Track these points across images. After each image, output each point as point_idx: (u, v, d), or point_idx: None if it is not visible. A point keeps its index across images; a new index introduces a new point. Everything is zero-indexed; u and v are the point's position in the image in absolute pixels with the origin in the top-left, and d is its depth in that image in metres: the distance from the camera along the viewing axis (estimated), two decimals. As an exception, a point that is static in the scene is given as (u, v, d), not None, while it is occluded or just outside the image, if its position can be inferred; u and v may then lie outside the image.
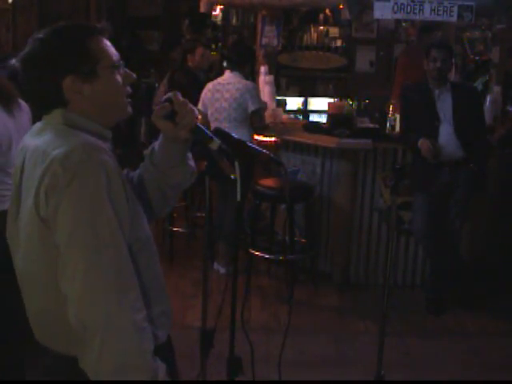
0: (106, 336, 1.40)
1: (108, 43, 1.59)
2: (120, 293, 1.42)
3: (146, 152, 1.75)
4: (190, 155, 1.78)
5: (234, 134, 1.84)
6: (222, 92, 4.86)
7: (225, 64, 5.20)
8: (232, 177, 1.79)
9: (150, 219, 1.77)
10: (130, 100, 1.63)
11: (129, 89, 1.63)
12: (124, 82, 1.61)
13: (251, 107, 4.84)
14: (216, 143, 1.66)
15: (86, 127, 1.55)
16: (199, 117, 1.68)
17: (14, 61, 3.69)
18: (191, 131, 1.65)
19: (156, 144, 1.73)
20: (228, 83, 4.88)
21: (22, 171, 1.54)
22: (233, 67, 4.94)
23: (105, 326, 1.40)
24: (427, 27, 5.83)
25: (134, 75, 1.63)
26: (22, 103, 3.10)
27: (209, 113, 4.92)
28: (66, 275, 1.43)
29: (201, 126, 1.67)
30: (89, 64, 1.53)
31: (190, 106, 1.65)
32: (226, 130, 5.52)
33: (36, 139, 1.54)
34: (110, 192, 1.44)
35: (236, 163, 1.70)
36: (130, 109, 1.64)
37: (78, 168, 1.41)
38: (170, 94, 1.64)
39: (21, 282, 1.62)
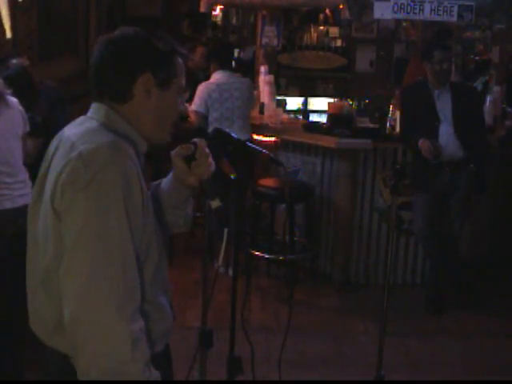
0: (99, 342, 1.39)
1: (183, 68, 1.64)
2: (120, 302, 1.40)
3: (152, 184, 1.76)
4: (191, 203, 1.81)
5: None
6: (230, 91, 4.79)
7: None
8: (232, 177, 1.79)
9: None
10: (173, 129, 1.66)
11: (176, 116, 1.66)
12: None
13: (253, 102, 5.10)
14: (216, 203, 1.68)
15: (122, 131, 1.56)
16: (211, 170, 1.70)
17: (14, 61, 3.71)
18: (201, 182, 1.67)
19: (163, 180, 1.75)
20: (233, 82, 4.84)
21: (52, 158, 1.55)
22: (227, 67, 4.91)
23: (99, 332, 1.39)
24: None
25: (183, 108, 1.67)
26: (12, 100, 3.11)
27: (216, 114, 4.76)
28: (68, 274, 1.42)
29: (209, 181, 1.69)
30: (169, 73, 1.58)
31: (210, 159, 1.67)
32: (240, 128, 5.52)
33: (74, 129, 1.56)
34: (126, 198, 1.43)
35: (225, 230, 1.74)
36: (169, 137, 1.65)
37: (100, 170, 1.41)
38: (196, 140, 1.66)
39: (30, 270, 1.61)
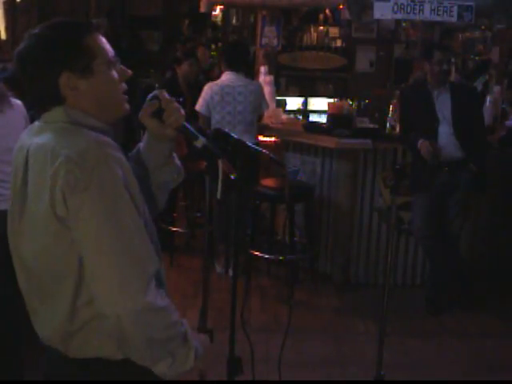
0: (141, 321, 1.43)
1: (104, 40, 1.58)
2: (147, 282, 1.45)
3: (131, 153, 1.74)
4: (175, 155, 1.78)
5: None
6: (233, 95, 4.71)
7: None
8: (232, 177, 1.78)
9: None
10: (126, 97, 1.62)
11: (124, 85, 1.62)
12: (120, 78, 1.60)
13: (264, 108, 4.92)
14: (201, 141, 1.66)
15: (89, 123, 1.54)
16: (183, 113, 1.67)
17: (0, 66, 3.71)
18: (177, 129, 1.66)
19: (141, 144, 1.74)
20: (238, 85, 4.74)
21: (25, 170, 1.52)
22: (235, 68, 4.81)
23: (139, 312, 1.43)
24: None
25: (129, 71, 1.62)
26: (16, 102, 3.11)
27: (218, 116, 4.72)
28: (97, 277, 1.44)
29: (186, 123, 1.67)
30: (84, 60, 1.51)
31: (176, 104, 1.65)
32: (242, 133, 5.36)
33: (36, 138, 1.52)
34: (127, 186, 1.45)
35: (220, 161, 1.71)
36: (127, 106, 1.63)
37: (95, 168, 1.41)
38: (156, 92, 1.65)
39: (30, 280, 1.59)
